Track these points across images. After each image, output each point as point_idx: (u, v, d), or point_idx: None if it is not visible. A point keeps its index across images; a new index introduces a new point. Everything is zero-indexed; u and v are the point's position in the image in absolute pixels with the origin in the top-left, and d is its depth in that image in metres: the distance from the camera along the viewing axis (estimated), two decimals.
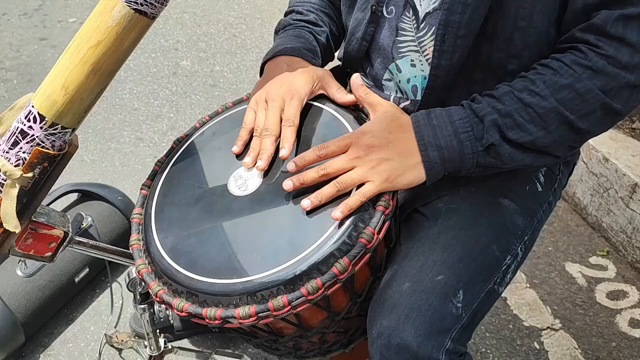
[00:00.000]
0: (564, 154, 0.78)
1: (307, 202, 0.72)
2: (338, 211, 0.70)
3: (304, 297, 0.68)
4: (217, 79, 2.64)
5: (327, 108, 0.86)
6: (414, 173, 0.75)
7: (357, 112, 0.86)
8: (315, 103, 0.87)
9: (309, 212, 0.74)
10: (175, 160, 0.90)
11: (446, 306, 0.77)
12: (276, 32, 1.02)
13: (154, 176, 0.90)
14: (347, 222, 0.71)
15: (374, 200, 0.74)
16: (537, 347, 1.47)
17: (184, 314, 0.72)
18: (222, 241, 0.76)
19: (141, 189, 0.89)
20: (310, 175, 0.74)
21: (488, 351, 1.46)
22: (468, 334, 0.81)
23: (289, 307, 0.68)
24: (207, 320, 0.71)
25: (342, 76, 1.04)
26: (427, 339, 0.74)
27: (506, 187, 0.89)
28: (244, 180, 0.81)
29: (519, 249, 0.87)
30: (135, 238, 0.83)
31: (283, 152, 0.78)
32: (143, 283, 0.79)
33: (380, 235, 0.72)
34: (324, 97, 0.88)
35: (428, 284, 0.77)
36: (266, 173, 0.81)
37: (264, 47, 2.89)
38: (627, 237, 1.71)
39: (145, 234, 0.81)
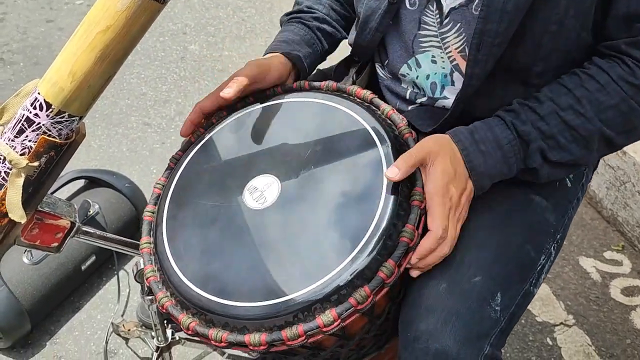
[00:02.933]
0: (594, 162, 0.81)
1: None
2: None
3: (353, 308, 0.65)
4: (226, 64, 2.61)
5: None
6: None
7: (369, 104, 0.82)
8: (328, 102, 0.83)
9: (336, 220, 0.70)
10: (178, 180, 0.84)
11: (484, 310, 0.74)
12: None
13: (157, 200, 0.84)
14: (385, 223, 0.67)
15: (406, 197, 0.71)
16: (550, 343, 1.45)
17: (223, 344, 0.67)
18: (250, 260, 0.71)
19: (145, 215, 0.83)
20: (430, 260, 0.72)
21: None
22: (504, 338, 0.78)
23: (339, 320, 0.64)
24: (251, 347, 0.66)
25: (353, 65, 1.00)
26: (466, 345, 0.71)
27: (537, 183, 0.85)
28: (261, 192, 0.76)
29: (552, 247, 0.84)
30: (150, 270, 0.77)
31: None
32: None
33: (420, 231, 0.69)
34: (335, 95, 0.84)
35: (465, 286, 0.74)
36: (284, 181, 0.76)
37: (273, 31, 2.83)
38: None
39: (161, 264, 0.76)
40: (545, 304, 1.55)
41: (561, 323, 1.50)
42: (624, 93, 0.72)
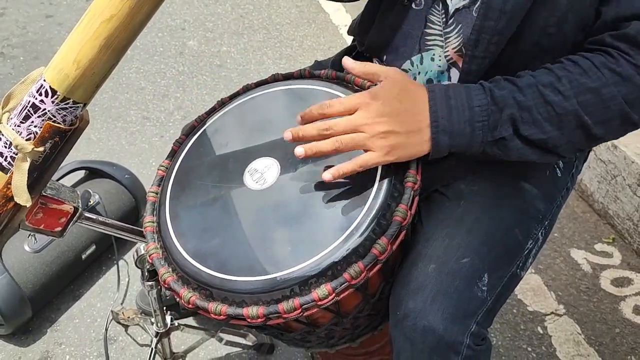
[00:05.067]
0: (569, 155, 0.77)
1: (300, 150, 0.72)
2: (329, 173, 0.70)
3: (347, 283, 0.67)
4: (224, 60, 2.63)
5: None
6: (417, 148, 0.74)
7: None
8: (327, 89, 0.85)
9: (333, 200, 0.73)
10: (181, 162, 0.87)
11: (472, 289, 0.77)
12: None
13: (160, 181, 0.88)
14: (379, 203, 0.71)
15: (400, 179, 0.74)
16: (541, 331, 1.48)
17: (222, 317, 0.70)
18: (249, 238, 0.74)
19: (148, 196, 0.87)
20: (310, 130, 0.72)
21: (492, 335, 1.47)
22: (491, 317, 0.81)
23: (334, 294, 0.67)
24: (249, 320, 0.69)
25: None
26: (453, 323, 0.74)
27: (527, 171, 0.88)
28: (261, 174, 0.79)
29: (540, 233, 0.87)
30: (153, 247, 0.80)
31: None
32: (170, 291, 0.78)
33: (412, 211, 0.72)
34: (335, 83, 0.87)
35: (454, 267, 0.77)
36: (283, 163, 0.79)
37: (272, 28, 2.87)
38: (634, 225, 1.70)
39: (164, 242, 0.79)
40: (536, 294, 1.58)
41: (552, 312, 1.53)
42: (606, 79, 0.71)
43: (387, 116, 0.71)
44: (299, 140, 0.73)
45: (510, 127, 0.73)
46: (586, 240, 1.76)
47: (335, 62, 1.05)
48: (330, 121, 0.72)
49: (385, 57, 0.93)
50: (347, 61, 0.77)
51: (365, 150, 0.72)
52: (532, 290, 1.59)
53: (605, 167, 1.79)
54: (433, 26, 0.85)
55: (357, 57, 1.00)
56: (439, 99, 0.73)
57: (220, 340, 1.34)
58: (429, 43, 0.86)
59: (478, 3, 0.78)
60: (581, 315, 1.52)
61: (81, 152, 2.03)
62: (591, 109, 0.71)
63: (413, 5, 0.86)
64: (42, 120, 0.73)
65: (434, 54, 0.86)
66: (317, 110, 0.73)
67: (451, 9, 0.82)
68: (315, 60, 1.12)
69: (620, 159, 1.73)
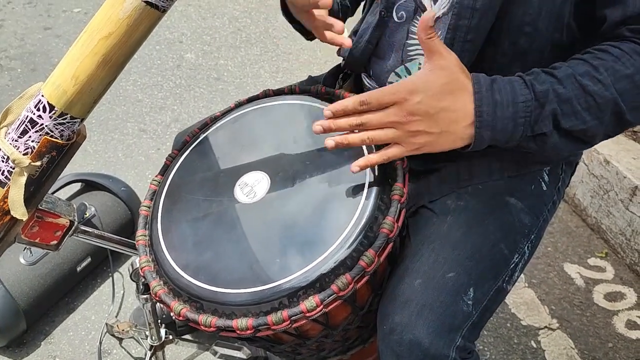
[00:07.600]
0: (598, 142, 0.76)
1: (331, 142, 0.71)
2: (356, 165, 0.71)
3: (335, 294, 0.68)
4: (221, 73, 2.65)
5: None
6: (447, 145, 0.72)
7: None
8: (317, 104, 0.87)
9: (321, 212, 0.74)
10: (173, 177, 0.89)
11: (457, 303, 0.78)
12: None
13: (153, 195, 0.89)
14: (367, 216, 0.72)
15: (387, 192, 0.75)
16: (534, 346, 1.49)
17: (212, 329, 0.71)
18: (239, 251, 0.75)
19: (141, 210, 0.88)
20: (342, 124, 0.71)
21: (486, 349, 1.47)
22: (477, 331, 0.82)
23: (322, 306, 0.68)
24: (238, 332, 0.70)
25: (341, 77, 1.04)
26: (438, 336, 0.75)
27: (512, 185, 0.90)
28: (251, 187, 0.81)
29: (526, 247, 0.88)
30: (145, 260, 0.81)
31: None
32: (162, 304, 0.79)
33: (399, 223, 0.73)
34: (324, 98, 0.88)
35: (439, 281, 0.78)
36: (273, 177, 0.81)
37: (269, 41, 2.89)
38: (626, 239, 1.72)
39: (155, 255, 0.80)
40: (530, 308, 1.59)
41: (545, 327, 1.54)
42: (638, 64, 0.70)
43: (422, 115, 0.69)
44: (326, 132, 0.72)
45: (551, 122, 0.71)
46: (579, 255, 1.77)
47: (327, 79, 1.06)
48: (363, 117, 0.70)
49: (371, 72, 0.94)
50: (427, 19, 0.69)
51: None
52: (525, 304, 1.60)
53: (598, 182, 1.81)
54: (415, 37, 0.86)
55: (346, 76, 1.02)
56: (485, 92, 0.71)
57: (215, 353, 1.34)
58: (411, 53, 0.88)
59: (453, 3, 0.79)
60: (574, 330, 1.53)
61: (77, 164, 2.03)
62: (626, 95, 0.70)
63: (395, 18, 0.88)
64: (40, 135, 0.74)
65: (420, 63, 0.88)
66: (353, 105, 0.70)
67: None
68: (309, 76, 1.13)
69: (613, 174, 1.74)
